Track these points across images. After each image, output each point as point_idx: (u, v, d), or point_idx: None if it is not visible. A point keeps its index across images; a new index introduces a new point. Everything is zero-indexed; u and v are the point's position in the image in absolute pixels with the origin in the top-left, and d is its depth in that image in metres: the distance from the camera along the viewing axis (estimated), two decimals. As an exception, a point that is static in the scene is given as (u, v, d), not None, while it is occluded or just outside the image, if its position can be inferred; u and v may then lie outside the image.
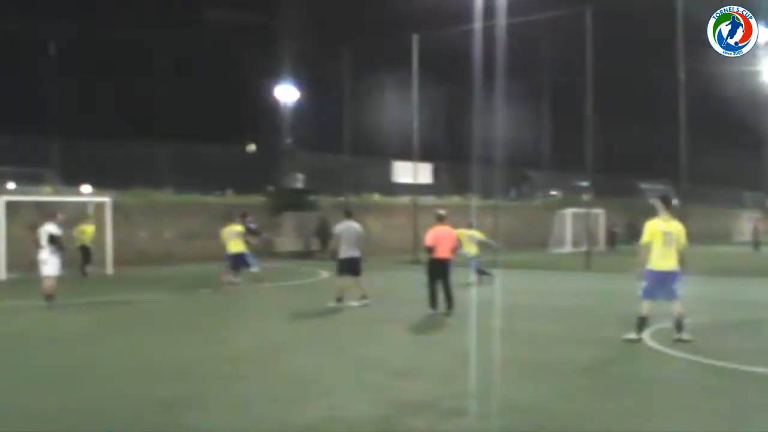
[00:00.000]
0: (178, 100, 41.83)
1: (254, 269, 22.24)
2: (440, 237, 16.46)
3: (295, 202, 38.22)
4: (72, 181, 34.68)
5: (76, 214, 27.17)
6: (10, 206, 26.11)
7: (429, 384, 9.83)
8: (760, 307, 18.23)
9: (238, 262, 22.01)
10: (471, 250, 22.48)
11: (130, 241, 31.38)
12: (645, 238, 12.56)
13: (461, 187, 49.46)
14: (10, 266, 25.15)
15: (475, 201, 39.86)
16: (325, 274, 26.95)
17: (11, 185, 33.16)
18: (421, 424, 8.00)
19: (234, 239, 21.92)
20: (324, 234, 35.87)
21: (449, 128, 50.59)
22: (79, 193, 33.46)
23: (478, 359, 11.01)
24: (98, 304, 19.07)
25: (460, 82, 40.60)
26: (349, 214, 18.63)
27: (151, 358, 11.76)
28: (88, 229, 27.05)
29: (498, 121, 34.29)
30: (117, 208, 29.08)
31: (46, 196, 29.78)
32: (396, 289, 21.52)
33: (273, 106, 42.86)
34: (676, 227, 12.51)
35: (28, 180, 33.99)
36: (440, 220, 16.82)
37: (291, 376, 10.36)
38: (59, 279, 18.15)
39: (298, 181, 41.20)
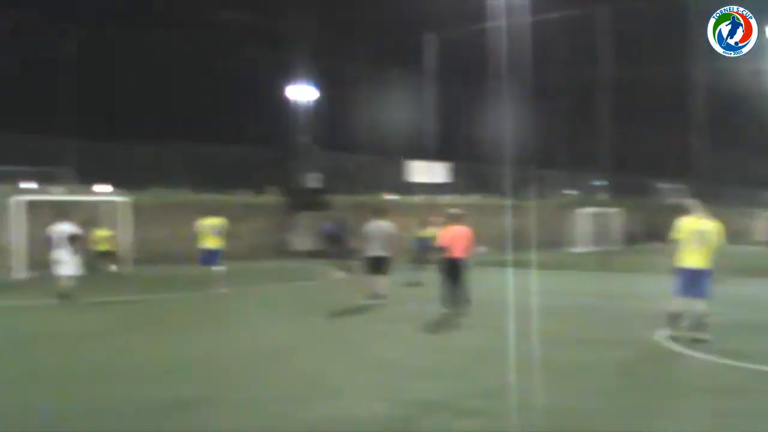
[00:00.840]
0: (193, 102, 41.73)
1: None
2: (455, 237, 16.38)
3: (311, 201, 38.13)
4: (85, 180, 34.77)
5: (91, 215, 27.29)
6: (30, 206, 26.18)
7: (443, 384, 9.79)
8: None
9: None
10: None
11: (147, 240, 31.54)
12: (675, 235, 12.56)
13: (476, 186, 49.40)
14: (32, 265, 25.09)
15: (492, 201, 39.93)
16: (340, 274, 26.91)
17: (31, 184, 33.09)
18: (435, 424, 7.99)
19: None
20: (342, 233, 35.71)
21: (466, 127, 50.51)
22: (92, 193, 33.50)
23: (493, 359, 10.99)
24: (112, 303, 18.90)
25: (475, 82, 40.61)
26: (378, 213, 18.59)
27: (160, 357, 11.72)
28: (105, 233, 27.23)
29: (513, 121, 34.27)
30: (133, 207, 29.20)
31: (64, 195, 29.74)
32: (412, 288, 21.43)
33: (290, 106, 42.74)
34: (709, 226, 12.46)
35: (43, 179, 33.89)
36: (455, 219, 16.73)
37: (304, 376, 10.35)
38: (78, 279, 18.15)
39: (316, 180, 41.01)
